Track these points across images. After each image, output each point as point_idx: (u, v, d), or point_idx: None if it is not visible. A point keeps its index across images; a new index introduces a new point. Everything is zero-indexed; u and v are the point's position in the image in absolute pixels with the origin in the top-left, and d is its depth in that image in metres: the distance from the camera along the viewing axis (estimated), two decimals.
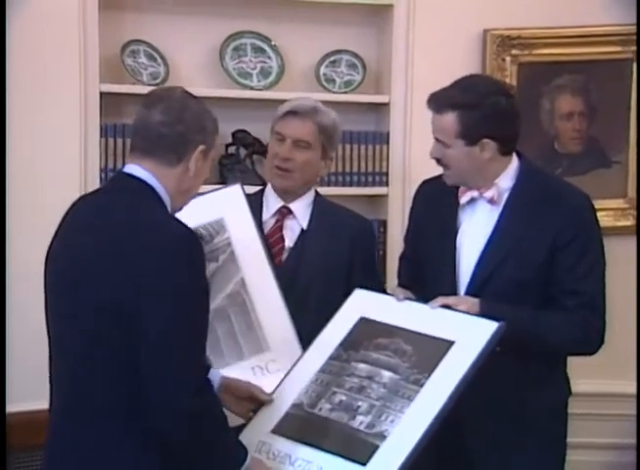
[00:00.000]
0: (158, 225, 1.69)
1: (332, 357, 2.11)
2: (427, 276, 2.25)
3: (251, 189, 2.43)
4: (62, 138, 2.80)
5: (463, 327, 2.02)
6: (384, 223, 3.14)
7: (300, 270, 2.31)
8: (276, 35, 3.11)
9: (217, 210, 2.21)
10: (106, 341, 1.65)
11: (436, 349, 2.01)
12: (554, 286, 2.08)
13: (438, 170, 3.10)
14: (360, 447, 1.92)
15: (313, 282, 2.30)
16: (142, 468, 1.68)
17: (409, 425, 1.90)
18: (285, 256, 2.32)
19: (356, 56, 3.17)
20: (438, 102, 2.12)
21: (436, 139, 2.12)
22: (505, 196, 2.13)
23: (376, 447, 1.89)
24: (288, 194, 2.35)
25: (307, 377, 2.09)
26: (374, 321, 2.15)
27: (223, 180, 2.98)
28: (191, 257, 1.67)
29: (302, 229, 2.35)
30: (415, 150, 3.11)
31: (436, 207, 2.24)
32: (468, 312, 2.01)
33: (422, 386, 1.95)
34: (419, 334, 2.07)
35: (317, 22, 3.13)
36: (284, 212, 2.36)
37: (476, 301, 2.03)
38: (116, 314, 1.64)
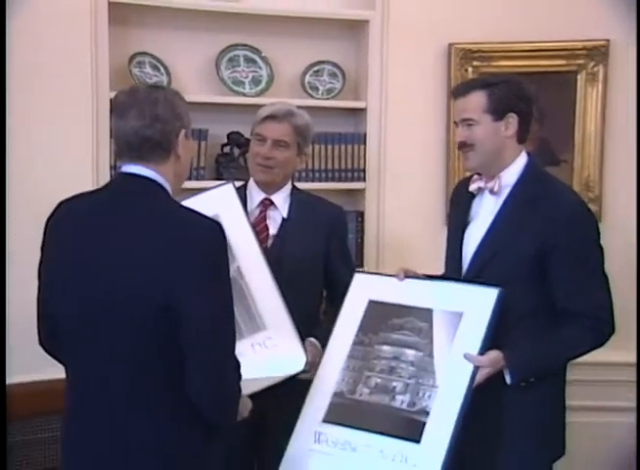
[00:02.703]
0: (186, 219, 1.67)
1: (355, 343, 2.14)
2: (445, 265, 2.31)
3: (239, 184, 2.49)
4: (76, 140, 2.90)
5: (467, 298, 2.04)
6: (361, 214, 3.26)
7: (284, 254, 2.39)
8: (266, 48, 3.21)
9: (213, 207, 2.23)
10: (146, 332, 1.62)
11: (448, 322, 2.02)
12: (557, 291, 2.06)
13: (410, 167, 3.24)
14: (409, 426, 1.93)
15: (296, 263, 2.38)
16: (188, 444, 1.68)
17: (447, 397, 1.93)
18: (270, 242, 2.42)
19: (337, 66, 3.28)
20: (466, 86, 2.16)
21: (462, 120, 2.13)
22: (507, 190, 2.13)
23: (423, 424, 1.91)
24: (269, 187, 2.45)
25: (339, 365, 2.11)
26: (383, 303, 2.17)
27: (219, 176, 3.12)
28: (222, 245, 1.67)
29: (283, 218, 2.45)
30: (389, 149, 3.25)
31: (460, 200, 2.27)
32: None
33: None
34: (428, 310, 2.07)
35: (302, 35, 3.24)
36: (266, 204, 2.45)
37: (500, 356, 1.99)
38: (158, 304, 1.60)
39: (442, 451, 1.86)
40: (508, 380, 2.04)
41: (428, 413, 1.92)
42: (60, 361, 1.87)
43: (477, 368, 1.96)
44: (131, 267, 1.63)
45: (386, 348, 2.07)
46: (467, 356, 1.97)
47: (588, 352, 2.12)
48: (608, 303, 2.11)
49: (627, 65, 3.22)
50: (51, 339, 1.84)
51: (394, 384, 2.00)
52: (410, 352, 2.03)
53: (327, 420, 2.04)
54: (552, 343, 2.08)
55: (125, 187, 1.74)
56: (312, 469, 1.99)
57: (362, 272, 2.40)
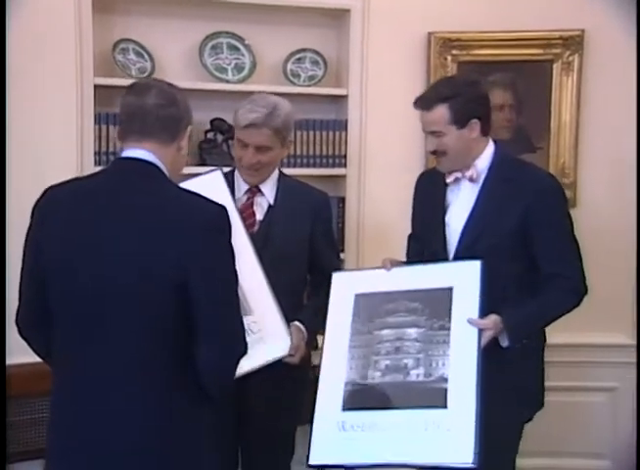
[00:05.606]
0: (188, 201, 1.70)
1: (353, 334, 2.14)
2: (424, 249, 2.39)
3: (226, 169, 2.52)
4: (61, 125, 2.93)
5: (452, 273, 2.10)
6: (342, 200, 3.31)
7: (270, 239, 2.43)
8: (249, 35, 3.25)
9: (202, 192, 2.13)
10: (153, 312, 1.64)
11: (440, 297, 2.07)
12: (540, 256, 2.20)
13: (390, 154, 3.29)
14: (432, 395, 1.93)
15: (282, 249, 2.42)
16: (180, 412, 1.69)
17: (460, 362, 1.96)
18: (256, 228, 2.45)
19: (318, 54, 3.33)
20: (427, 101, 2.26)
21: (430, 133, 2.26)
22: (483, 175, 2.27)
23: (445, 390, 1.93)
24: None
25: (342, 359, 2.10)
26: (369, 294, 2.19)
27: (202, 162, 3.15)
28: (229, 227, 1.72)
29: (270, 204, 2.48)
30: (370, 136, 3.30)
31: (430, 191, 2.39)
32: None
33: (449, 329, 2.02)
34: (417, 291, 2.11)
35: (285, 24, 3.29)
36: (254, 191, 2.49)
37: (498, 319, 2.09)
38: (166, 285, 1.63)
39: (472, 412, 1.87)
40: (505, 342, 2.13)
41: (446, 379, 1.95)
42: (33, 348, 1.87)
43: (480, 331, 2.04)
44: (141, 249, 1.66)
45: (386, 331, 2.08)
46: (471, 321, 2.06)
47: (569, 311, 2.27)
48: (581, 265, 2.27)
49: (602, 54, 3.29)
50: (36, 323, 1.82)
51: (405, 361, 2.02)
52: (411, 331, 2.06)
53: (347, 408, 2.03)
54: (540, 305, 2.22)
55: (128, 170, 1.76)
56: (344, 457, 1.97)
57: (339, 271, 2.44)
